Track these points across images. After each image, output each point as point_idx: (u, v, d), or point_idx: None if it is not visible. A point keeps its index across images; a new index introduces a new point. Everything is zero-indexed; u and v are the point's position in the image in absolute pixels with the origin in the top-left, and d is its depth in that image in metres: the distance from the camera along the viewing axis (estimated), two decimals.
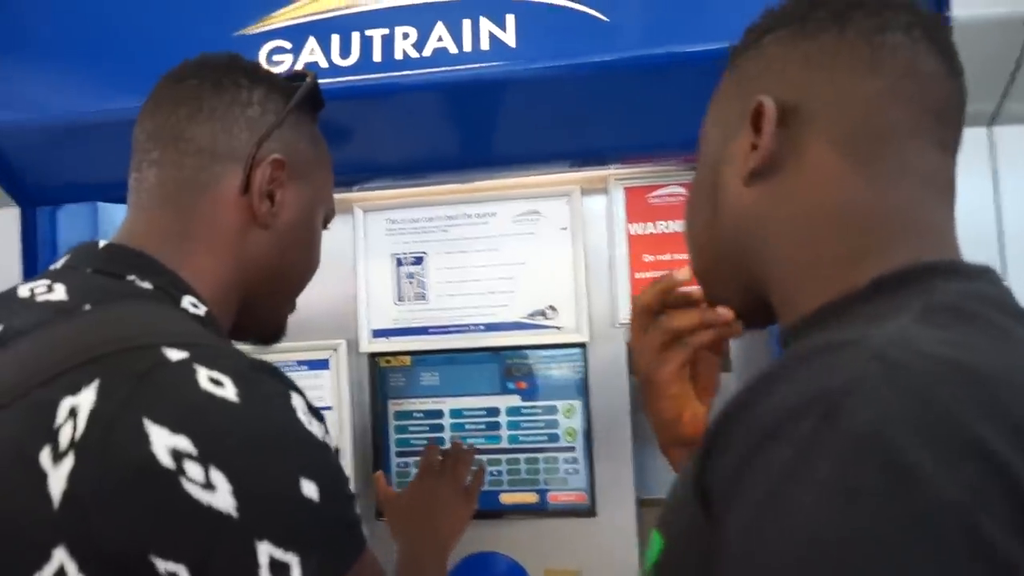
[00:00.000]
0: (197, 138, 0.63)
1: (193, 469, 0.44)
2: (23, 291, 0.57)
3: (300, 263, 0.71)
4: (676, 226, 1.10)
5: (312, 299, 1.12)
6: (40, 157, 1.03)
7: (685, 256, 1.07)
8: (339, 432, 1.14)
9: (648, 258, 1.10)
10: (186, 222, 0.63)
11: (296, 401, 0.51)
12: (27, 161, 1.04)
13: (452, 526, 0.98)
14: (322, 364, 1.15)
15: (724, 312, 0.61)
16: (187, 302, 0.59)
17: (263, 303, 0.69)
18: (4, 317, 0.55)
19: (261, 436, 0.47)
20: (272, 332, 0.74)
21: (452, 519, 0.98)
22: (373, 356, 1.16)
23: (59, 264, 0.61)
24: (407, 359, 1.15)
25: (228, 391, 0.48)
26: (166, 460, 0.44)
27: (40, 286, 0.57)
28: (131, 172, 0.65)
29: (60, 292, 0.56)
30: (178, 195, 0.63)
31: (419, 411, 1.15)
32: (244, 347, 1.13)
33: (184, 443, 0.45)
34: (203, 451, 0.45)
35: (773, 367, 0.41)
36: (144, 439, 0.44)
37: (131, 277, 0.58)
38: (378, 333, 1.16)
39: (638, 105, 0.92)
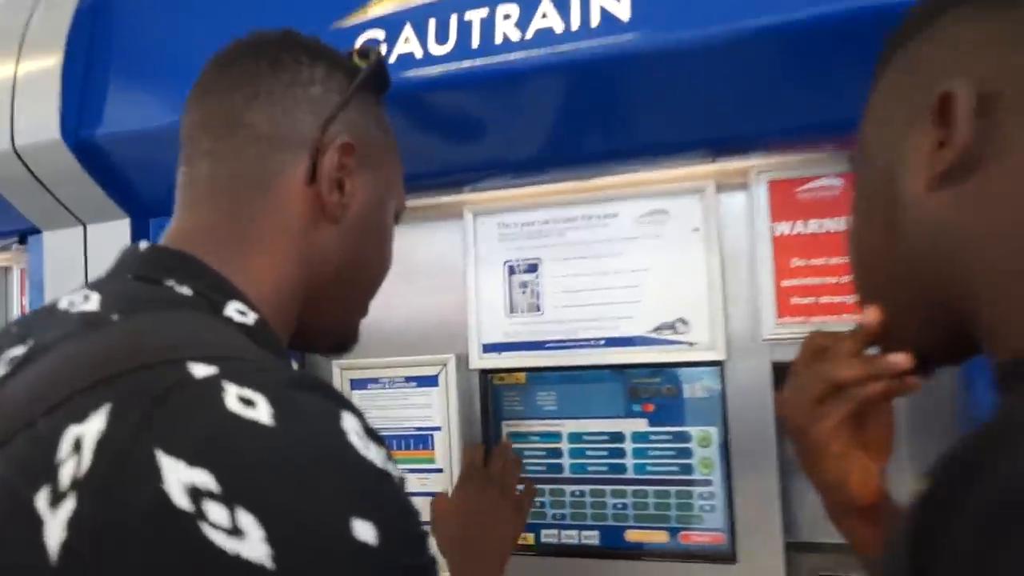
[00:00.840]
0: (256, 124, 0.56)
1: (216, 511, 0.35)
2: (64, 303, 0.51)
3: (372, 263, 0.64)
4: (831, 224, 0.95)
5: (420, 311, 1.12)
6: (150, 167, 1.01)
7: (840, 260, 0.94)
8: (448, 454, 1.07)
9: (797, 262, 0.95)
10: (244, 218, 0.56)
11: (348, 422, 0.41)
12: (137, 171, 1.03)
13: (499, 540, 0.87)
14: (431, 381, 1.08)
15: (898, 359, 0.52)
16: (232, 309, 0.51)
17: (330, 308, 0.61)
18: (38, 332, 0.48)
19: (301, 466, 0.38)
20: (341, 341, 0.66)
21: (499, 531, 0.87)
22: (485, 373, 1.08)
23: (107, 271, 0.55)
24: (522, 376, 1.06)
25: (261, 412, 0.39)
26: (182, 500, 0.35)
27: (79, 296, 0.51)
28: (179, 167, 0.59)
29: (94, 302, 0.49)
30: (235, 188, 0.56)
31: (535, 434, 1.06)
32: (341, 361, 1.10)
33: (204, 478, 0.36)
34: (228, 488, 0.36)
35: (1008, 417, 0.34)
36: (155, 475, 0.36)
37: (169, 282, 0.51)
38: (489, 348, 1.07)
39: (781, 81, 0.79)
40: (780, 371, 0.94)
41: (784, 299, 0.95)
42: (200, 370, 0.41)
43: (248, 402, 0.39)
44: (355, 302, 0.66)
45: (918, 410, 0.87)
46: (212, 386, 0.40)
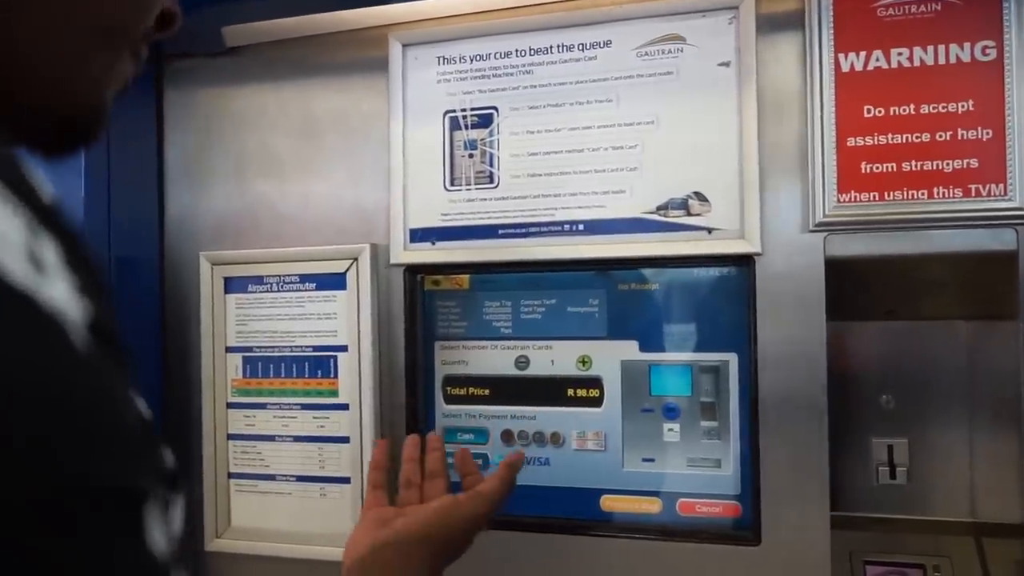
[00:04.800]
0: None
1: None
2: None
3: None
4: (924, 56, 0.68)
5: (324, 184, 0.83)
6: None
7: (939, 107, 0.66)
8: (357, 385, 0.80)
9: (872, 111, 0.69)
10: None
11: None
12: None
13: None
14: (336, 282, 0.82)
15: None
16: None
17: (21, 30, 0.30)
18: None
19: None
20: (58, 112, 0.32)
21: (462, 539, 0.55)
22: (413, 272, 0.83)
23: None
24: (464, 279, 0.82)
25: None
26: None
27: None
28: None
29: None
30: None
31: (482, 361, 0.81)
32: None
33: None
34: None
35: None
36: None
37: None
38: (418, 235, 0.81)
39: None
40: (838, 273, 0.70)
41: (850, 165, 0.70)
42: None
43: None
44: (81, 27, 0.31)
45: None
46: None
